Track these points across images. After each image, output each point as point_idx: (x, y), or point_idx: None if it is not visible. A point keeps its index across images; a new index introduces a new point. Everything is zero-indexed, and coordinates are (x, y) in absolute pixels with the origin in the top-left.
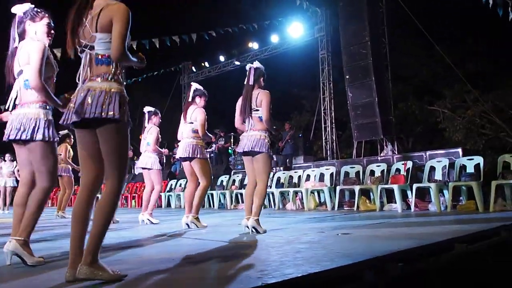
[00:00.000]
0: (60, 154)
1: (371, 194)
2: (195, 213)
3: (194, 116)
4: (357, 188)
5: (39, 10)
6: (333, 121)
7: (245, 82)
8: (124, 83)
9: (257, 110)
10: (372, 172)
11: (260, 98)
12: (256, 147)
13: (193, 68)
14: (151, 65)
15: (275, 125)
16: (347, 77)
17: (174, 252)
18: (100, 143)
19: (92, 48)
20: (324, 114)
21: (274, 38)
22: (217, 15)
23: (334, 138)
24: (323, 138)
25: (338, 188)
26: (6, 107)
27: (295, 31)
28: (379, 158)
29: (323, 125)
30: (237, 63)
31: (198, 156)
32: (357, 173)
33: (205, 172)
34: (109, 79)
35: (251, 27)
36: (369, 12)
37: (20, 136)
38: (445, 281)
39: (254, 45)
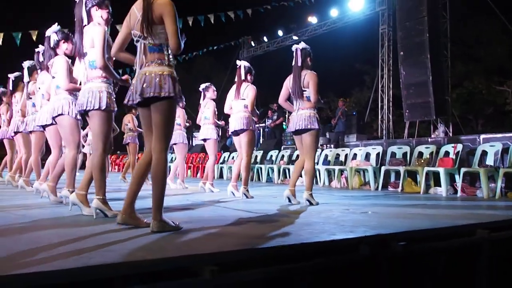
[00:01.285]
0: (127, 124)
1: (417, 176)
2: (245, 185)
3: (246, 93)
4: (402, 169)
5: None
6: (391, 99)
7: (293, 64)
8: (177, 61)
9: (305, 90)
10: (421, 154)
11: (307, 80)
12: (308, 125)
13: (252, 42)
14: (212, 39)
15: (330, 99)
16: (401, 53)
17: (199, 216)
18: (152, 117)
19: (145, 38)
20: (381, 92)
21: (334, 12)
22: None
23: (390, 117)
24: (379, 117)
25: (383, 168)
26: (78, 83)
27: (355, 4)
28: (429, 139)
29: (379, 103)
30: (295, 37)
31: (249, 128)
32: (405, 154)
33: (250, 145)
34: (163, 64)
35: (308, 1)
36: None
37: (87, 107)
38: (448, 265)
39: (313, 20)
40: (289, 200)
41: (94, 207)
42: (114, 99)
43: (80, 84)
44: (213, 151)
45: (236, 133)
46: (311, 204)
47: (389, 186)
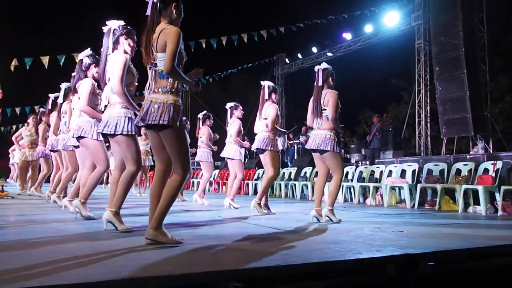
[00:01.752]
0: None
1: (456, 194)
2: (258, 199)
3: (268, 112)
4: (439, 187)
5: (131, 29)
6: (428, 115)
7: (314, 84)
8: (212, 79)
9: (325, 109)
10: (459, 171)
11: (327, 98)
12: (321, 146)
13: (286, 59)
14: (246, 57)
15: (366, 115)
16: (436, 69)
17: (225, 233)
18: (164, 142)
19: (155, 65)
20: (418, 107)
21: (368, 28)
22: (308, 6)
23: (428, 132)
24: (417, 133)
25: (419, 185)
26: (100, 107)
27: (390, 20)
28: (467, 156)
29: (417, 119)
30: (329, 54)
31: (269, 148)
32: (442, 171)
33: (274, 164)
34: (167, 91)
35: (341, 18)
36: None
37: (105, 130)
38: (485, 286)
39: (347, 36)
40: (318, 220)
41: (105, 218)
42: (133, 123)
43: (105, 107)
44: (240, 170)
45: (259, 151)
46: (331, 220)
47: (425, 204)
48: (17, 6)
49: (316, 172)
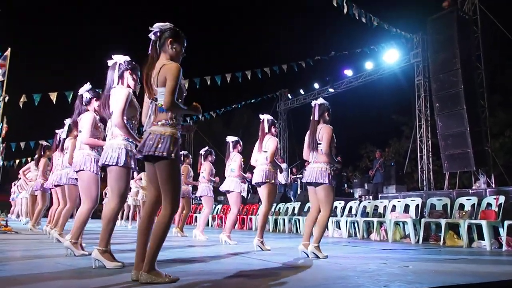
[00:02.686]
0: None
1: (460, 229)
2: (260, 237)
3: (268, 145)
4: (443, 222)
5: (136, 65)
6: (430, 149)
7: (311, 118)
8: (216, 114)
9: (320, 143)
10: (462, 206)
11: (322, 133)
12: (317, 179)
13: (289, 95)
14: (249, 93)
15: (368, 150)
16: (436, 105)
17: (230, 268)
18: (157, 174)
19: (156, 99)
20: (420, 142)
21: (369, 65)
22: (309, 43)
23: (430, 167)
24: (419, 167)
25: (423, 220)
26: (104, 139)
27: (389, 57)
28: (470, 191)
29: (418, 154)
30: (331, 90)
31: (268, 180)
32: (445, 205)
33: (269, 198)
34: (166, 124)
35: (342, 55)
36: (460, 38)
37: (106, 161)
38: None
39: (348, 72)
40: (306, 255)
41: (93, 257)
42: (132, 157)
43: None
44: (236, 204)
45: (258, 184)
46: (318, 257)
47: (430, 239)
48: (27, 43)
49: None
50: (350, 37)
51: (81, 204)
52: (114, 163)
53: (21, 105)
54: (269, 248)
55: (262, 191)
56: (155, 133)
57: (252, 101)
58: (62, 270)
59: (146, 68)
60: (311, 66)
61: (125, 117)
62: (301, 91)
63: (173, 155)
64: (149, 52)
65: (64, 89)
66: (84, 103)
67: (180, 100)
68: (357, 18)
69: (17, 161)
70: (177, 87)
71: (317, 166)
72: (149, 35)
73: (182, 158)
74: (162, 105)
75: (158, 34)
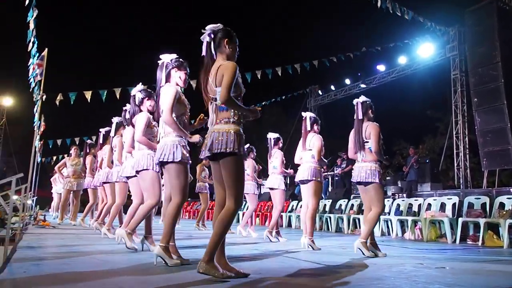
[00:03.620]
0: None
1: (500, 229)
2: (310, 235)
3: (313, 143)
4: (482, 221)
5: (183, 61)
6: (467, 146)
7: (354, 117)
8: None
9: (367, 141)
10: (502, 205)
11: (369, 131)
12: (367, 178)
13: (319, 91)
14: (279, 89)
15: (401, 147)
16: (475, 100)
17: (268, 267)
18: (222, 172)
19: (215, 99)
20: (456, 138)
21: (402, 60)
22: (341, 38)
23: (467, 164)
24: (455, 165)
25: (460, 219)
26: (157, 139)
27: (424, 51)
28: (511, 189)
29: (455, 151)
30: (363, 85)
31: (315, 178)
32: (483, 204)
33: (316, 195)
34: (229, 121)
35: (375, 50)
36: (501, 29)
37: (162, 158)
38: None
39: (380, 67)
40: (362, 253)
41: (155, 254)
42: (187, 152)
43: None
44: (280, 201)
45: (302, 182)
46: (363, 254)
47: (468, 239)
48: (64, 43)
49: (352, 205)
50: (383, 31)
51: (145, 200)
52: (170, 160)
53: (57, 104)
54: (320, 248)
55: (309, 189)
56: (219, 131)
57: (283, 97)
58: (114, 267)
59: (203, 71)
60: (342, 62)
61: (174, 114)
62: (332, 87)
63: (241, 150)
64: (204, 54)
65: (99, 88)
66: (137, 103)
67: (239, 98)
68: (391, 11)
69: (54, 157)
70: (233, 83)
71: (365, 165)
72: (202, 37)
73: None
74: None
75: (213, 35)
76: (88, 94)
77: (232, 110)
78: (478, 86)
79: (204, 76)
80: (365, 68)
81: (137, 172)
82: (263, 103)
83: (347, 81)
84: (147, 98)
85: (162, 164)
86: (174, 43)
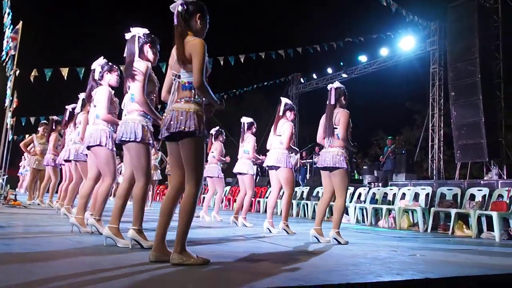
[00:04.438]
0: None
1: (469, 219)
2: (285, 220)
3: (283, 130)
4: (453, 212)
5: (156, 38)
6: (442, 139)
7: (327, 102)
8: (227, 96)
9: (336, 128)
10: (472, 196)
11: (339, 117)
12: (333, 164)
13: (301, 79)
14: (262, 75)
15: (379, 137)
16: (452, 94)
17: (240, 251)
18: (181, 153)
19: (179, 76)
20: (432, 131)
21: (384, 51)
22: (325, 27)
23: (441, 156)
24: (429, 156)
25: (432, 209)
26: (120, 114)
27: (405, 44)
28: (481, 182)
29: (430, 143)
30: (344, 75)
31: (284, 165)
32: (455, 195)
33: (289, 182)
34: (190, 101)
35: (358, 41)
36: (481, 26)
37: (123, 137)
38: None
39: (362, 58)
40: (317, 240)
41: (130, 237)
42: (150, 132)
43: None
44: (250, 186)
45: (270, 168)
46: (338, 243)
47: (439, 228)
48: (39, 17)
49: None
50: (366, 22)
51: (102, 180)
52: (131, 139)
53: (32, 80)
54: (295, 232)
55: (280, 176)
56: (179, 110)
57: (264, 84)
58: (83, 247)
59: (177, 41)
60: (325, 51)
61: (145, 93)
62: (314, 76)
63: (201, 131)
64: (176, 24)
65: (76, 65)
66: (97, 78)
67: (206, 79)
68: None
69: (27, 136)
70: (204, 64)
71: (332, 150)
72: (172, 6)
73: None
74: (186, 82)
75: (185, 6)
76: (64, 71)
77: (195, 90)
78: (456, 80)
79: (178, 46)
80: (347, 58)
81: (89, 147)
82: (245, 88)
83: (329, 70)
84: (107, 71)
85: (122, 143)
86: (153, 20)
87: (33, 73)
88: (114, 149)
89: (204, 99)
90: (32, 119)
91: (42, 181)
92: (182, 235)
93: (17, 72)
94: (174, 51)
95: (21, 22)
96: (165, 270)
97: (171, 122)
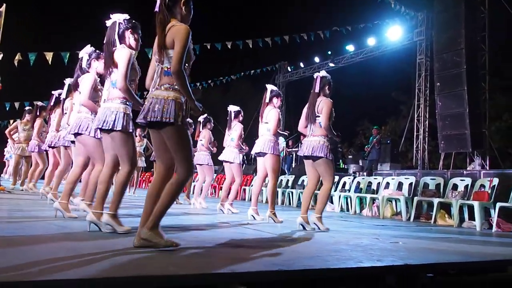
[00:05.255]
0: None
1: (451, 208)
2: (272, 208)
3: (270, 117)
4: (435, 201)
5: (137, 24)
6: (427, 129)
7: (311, 91)
8: (214, 83)
9: (318, 116)
10: (455, 186)
11: (321, 106)
12: (315, 152)
13: (289, 68)
14: (248, 63)
15: (365, 127)
16: (437, 84)
17: (224, 237)
18: (166, 142)
19: (162, 62)
20: (417, 121)
21: (371, 41)
22: (312, 16)
23: (425, 147)
24: (414, 147)
25: (416, 198)
26: (100, 101)
27: (392, 34)
28: (464, 172)
29: (415, 133)
30: (331, 64)
31: (270, 152)
32: (438, 185)
33: (275, 169)
34: (169, 88)
35: (345, 30)
36: (467, 17)
37: (103, 126)
38: None
39: (350, 47)
40: (303, 228)
41: (104, 222)
42: (130, 120)
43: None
44: (239, 174)
45: (258, 155)
46: (318, 228)
47: (421, 217)
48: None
49: None
50: (354, 11)
51: (91, 166)
52: (112, 128)
53: (16, 64)
54: (282, 220)
55: (266, 162)
56: (158, 98)
57: (251, 72)
58: (66, 232)
59: (159, 28)
60: (312, 40)
61: (127, 80)
62: (301, 64)
63: (179, 120)
64: (158, 10)
65: (61, 50)
66: (84, 66)
67: (187, 65)
68: None
69: (11, 121)
70: (185, 51)
71: (314, 139)
72: None
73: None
74: (168, 68)
75: None
76: (49, 55)
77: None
78: (441, 71)
79: (160, 33)
80: (335, 47)
81: (76, 135)
82: (232, 76)
83: (316, 59)
84: (94, 59)
85: (101, 130)
86: (137, 6)
87: (17, 57)
88: (99, 135)
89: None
90: (16, 104)
91: (28, 166)
92: (158, 214)
93: (0, 56)
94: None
95: (4, 5)
96: (147, 254)
97: (149, 111)
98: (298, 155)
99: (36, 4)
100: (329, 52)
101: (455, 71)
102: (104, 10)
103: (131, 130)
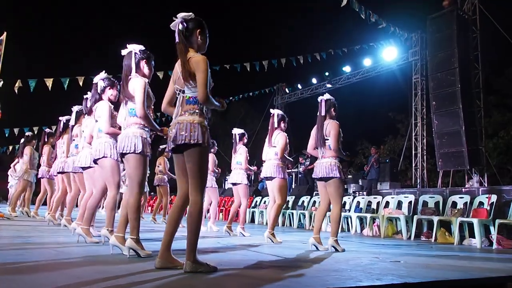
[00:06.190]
0: (159, 166)
1: (451, 226)
2: (271, 229)
3: (277, 140)
4: (435, 219)
5: (151, 54)
6: (425, 148)
7: (318, 114)
8: (209, 114)
9: (327, 139)
10: (454, 204)
11: (329, 129)
12: (327, 174)
13: (286, 89)
14: (247, 86)
15: (364, 146)
16: (433, 103)
17: (229, 258)
18: (186, 163)
19: (183, 91)
20: (415, 140)
21: (367, 62)
22: (308, 40)
23: (424, 165)
24: (413, 165)
25: (415, 217)
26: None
27: (388, 54)
28: (463, 189)
29: (413, 152)
30: (329, 85)
31: (278, 176)
32: (437, 203)
33: (282, 192)
34: (194, 113)
35: (341, 52)
36: (460, 37)
37: (123, 150)
38: None
39: (346, 68)
40: (316, 248)
41: (127, 247)
42: (149, 144)
43: (120, 129)
44: (245, 196)
45: (267, 179)
46: (336, 250)
47: (422, 236)
48: (23, 28)
49: (314, 202)
50: (350, 33)
51: (108, 192)
52: (131, 151)
53: (16, 91)
54: (281, 241)
55: (273, 186)
56: (184, 122)
57: (250, 94)
58: (70, 258)
59: (181, 60)
60: (309, 61)
61: (146, 108)
62: (299, 86)
63: (206, 142)
64: (178, 42)
65: (60, 76)
66: (99, 91)
67: (210, 92)
68: (356, 10)
69: (11, 147)
70: (208, 80)
71: (325, 161)
72: (172, 25)
73: (161, 152)
74: (190, 97)
75: (185, 24)
76: (49, 82)
77: (199, 104)
78: (436, 90)
79: (183, 62)
80: (332, 68)
81: (96, 161)
82: (230, 98)
83: (314, 81)
84: (109, 87)
85: (122, 155)
86: (140, 32)
87: (17, 84)
88: (119, 159)
89: (207, 110)
90: (16, 130)
91: (30, 192)
92: (192, 245)
93: (1, 83)
94: (177, 66)
95: (5, 33)
96: (171, 279)
97: (177, 135)
98: (298, 176)
99: (36, 32)
100: (327, 73)
101: (450, 89)
102: (105, 36)
103: (148, 154)
